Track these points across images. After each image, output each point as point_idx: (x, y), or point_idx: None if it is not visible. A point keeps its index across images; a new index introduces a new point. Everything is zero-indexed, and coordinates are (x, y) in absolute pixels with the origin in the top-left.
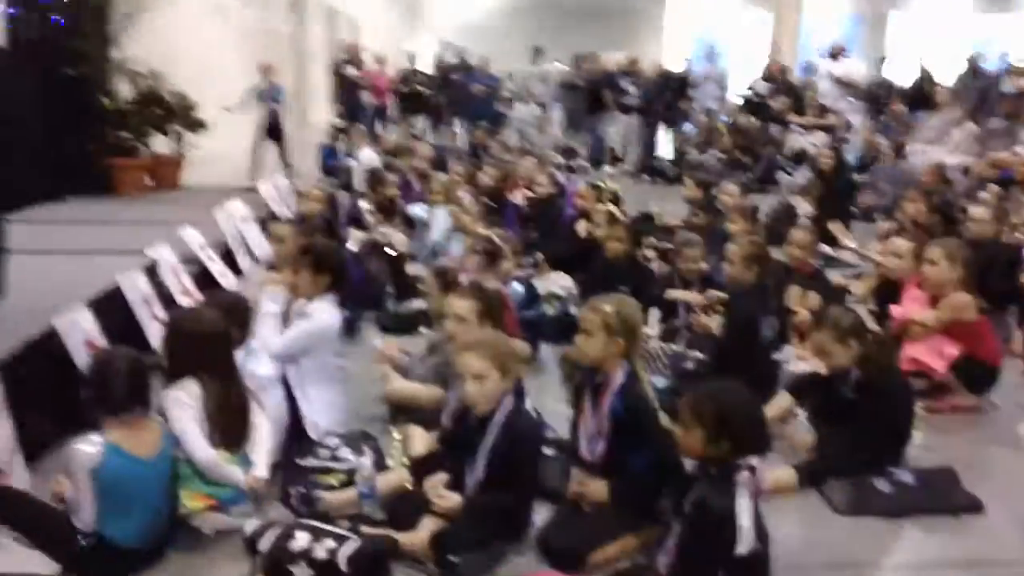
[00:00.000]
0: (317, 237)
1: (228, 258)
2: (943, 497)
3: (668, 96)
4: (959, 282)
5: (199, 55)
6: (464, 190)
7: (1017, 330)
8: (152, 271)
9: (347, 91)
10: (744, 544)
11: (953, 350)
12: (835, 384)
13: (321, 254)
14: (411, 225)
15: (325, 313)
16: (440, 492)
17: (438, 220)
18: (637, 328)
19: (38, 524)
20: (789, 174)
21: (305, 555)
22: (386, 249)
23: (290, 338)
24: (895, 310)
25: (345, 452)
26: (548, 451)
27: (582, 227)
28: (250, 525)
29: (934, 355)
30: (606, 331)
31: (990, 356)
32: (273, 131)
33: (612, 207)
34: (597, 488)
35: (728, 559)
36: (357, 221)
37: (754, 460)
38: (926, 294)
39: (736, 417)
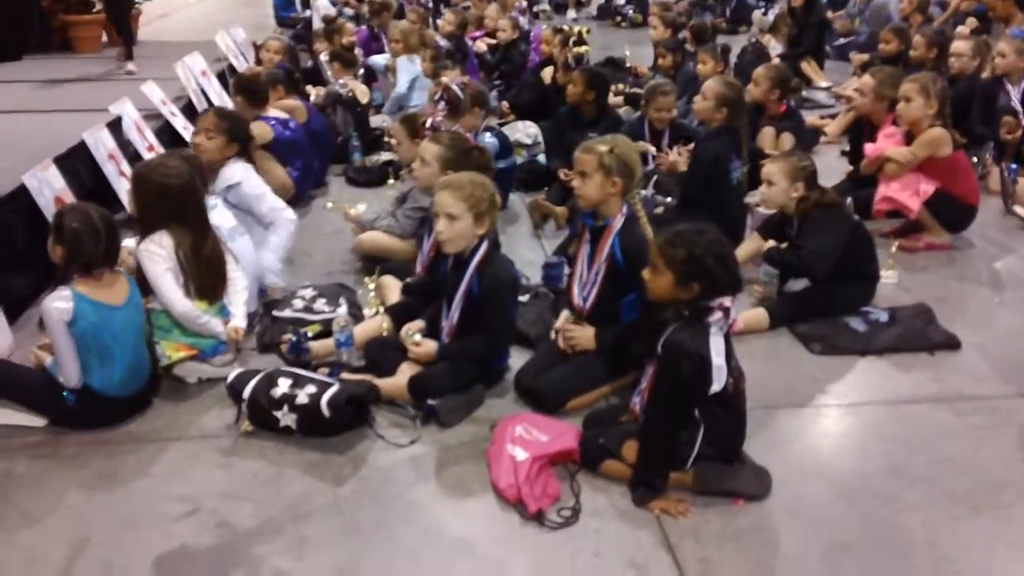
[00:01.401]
0: (228, 109)
1: (190, 112)
2: (918, 335)
3: None
4: (934, 117)
5: None
6: (425, 36)
7: (994, 166)
8: (116, 127)
9: None
10: (717, 382)
11: (929, 187)
12: (786, 226)
13: (236, 122)
14: (373, 77)
15: (250, 173)
16: (416, 338)
17: (401, 70)
18: (634, 165)
19: (19, 388)
20: (763, 12)
21: (288, 400)
22: (350, 99)
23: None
24: (869, 147)
25: (320, 303)
26: (522, 298)
27: (547, 73)
28: (232, 373)
29: (909, 193)
30: (603, 171)
31: (966, 193)
32: None
33: (575, 51)
34: (585, 335)
35: (702, 397)
36: (316, 74)
37: (726, 300)
38: (901, 130)
39: (706, 258)
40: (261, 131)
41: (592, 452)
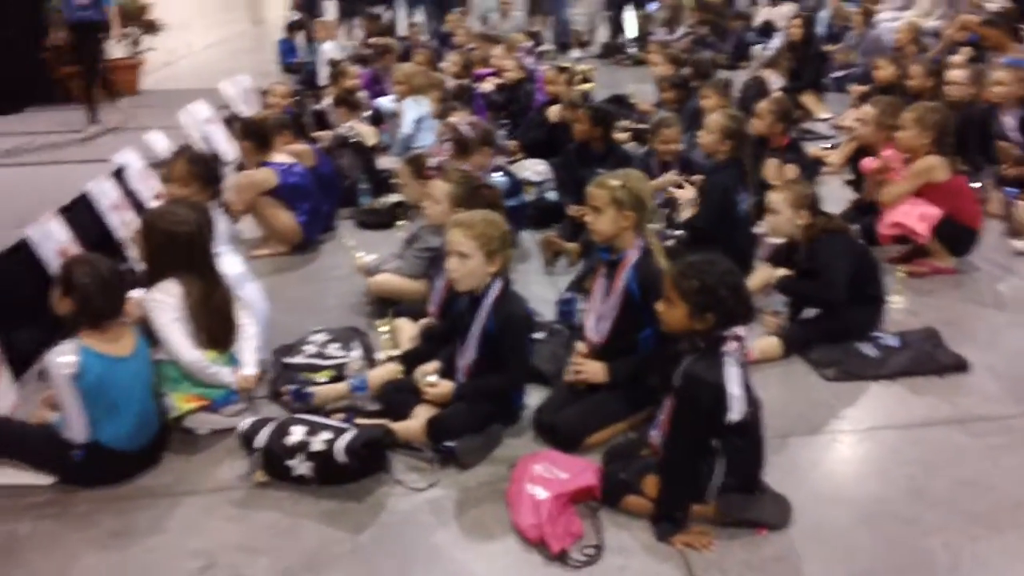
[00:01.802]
0: (198, 150)
1: None
2: (928, 358)
3: None
4: (930, 145)
5: None
6: (432, 77)
7: (994, 191)
8: (120, 177)
9: None
10: (736, 411)
11: (935, 211)
12: (793, 254)
13: (208, 167)
14: (380, 119)
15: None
16: (432, 379)
17: (407, 112)
18: (646, 199)
19: (24, 446)
20: (763, 47)
21: (302, 448)
22: (357, 142)
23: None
24: (865, 162)
25: (333, 348)
26: (537, 335)
27: (553, 112)
28: (244, 423)
29: (915, 218)
30: (615, 206)
31: (969, 217)
32: None
33: (579, 89)
34: (595, 369)
35: (721, 427)
36: (322, 119)
37: (740, 330)
38: (899, 157)
39: (719, 288)
40: (265, 177)
41: (613, 488)
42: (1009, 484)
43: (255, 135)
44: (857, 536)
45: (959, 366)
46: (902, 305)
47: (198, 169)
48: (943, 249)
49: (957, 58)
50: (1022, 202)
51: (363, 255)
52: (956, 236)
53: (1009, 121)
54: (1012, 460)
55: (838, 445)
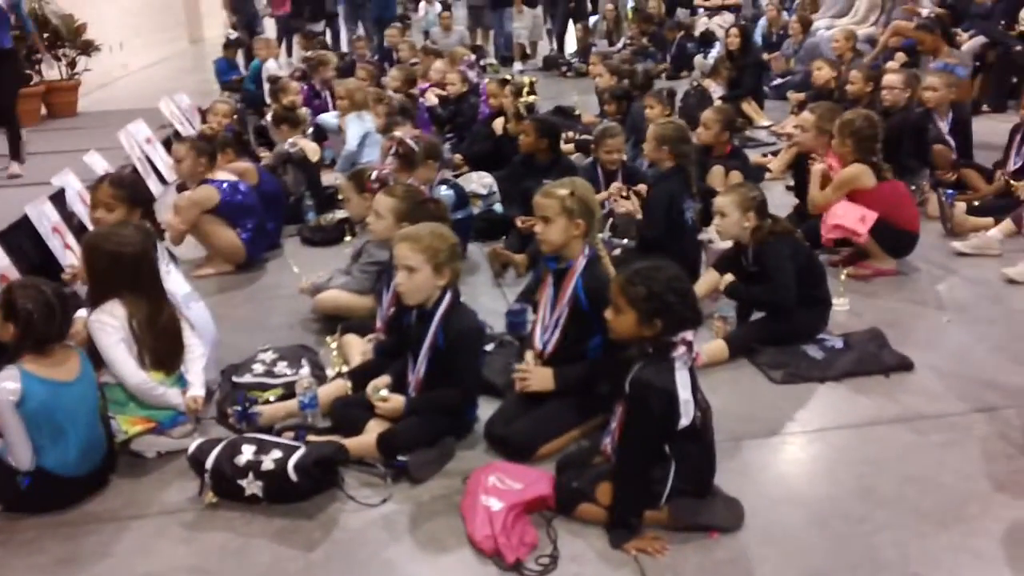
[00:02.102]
0: (126, 172)
1: None
2: (873, 359)
3: None
4: (853, 151)
5: None
6: (377, 92)
7: (932, 193)
8: (60, 199)
9: (238, 2)
10: (686, 416)
11: (872, 214)
12: (741, 258)
13: (132, 189)
14: (322, 135)
15: None
16: (383, 394)
17: (350, 128)
18: (594, 206)
19: None
20: (703, 56)
21: (253, 467)
22: (301, 158)
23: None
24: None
25: (282, 366)
26: (488, 347)
27: (498, 124)
28: (193, 444)
29: (855, 220)
30: (566, 214)
31: (905, 220)
32: None
33: (521, 101)
34: (541, 375)
35: (672, 432)
36: (264, 136)
37: (688, 335)
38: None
39: (666, 294)
40: (208, 195)
41: (566, 497)
42: (955, 480)
43: (207, 152)
44: (809, 536)
45: (904, 366)
46: (846, 307)
47: (122, 192)
48: (882, 251)
49: (892, 63)
50: (960, 204)
51: (305, 280)
52: (894, 239)
53: (942, 125)
54: (957, 457)
55: (788, 447)
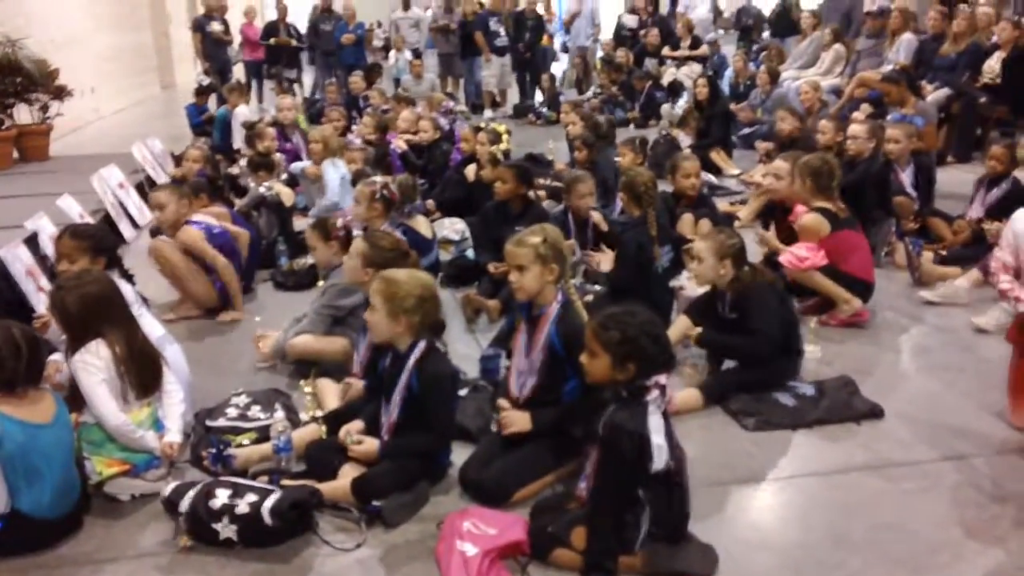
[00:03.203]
0: (88, 223)
1: (109, 226)
2: (844, 406)
3: (528, 37)
4: (810, 192)
5: (57, 19)
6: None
7: (899, 243)
8: (33, 243)
9: (212, 48)
10: (659, 460)
11: (822, 258)
12: (716, 305)
13: (94, 238)
14: (294, 181)
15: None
16: (357, 437)
17: (328, 174)
18: (566, 252)
19: None
20: (671, 105)
21: (228, 511)
22: (276, 202)
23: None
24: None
25: (255, 410)
26: (461, 392)
27: (470, 171)
28: (168, 487)
29: (803, 256)
30: (540, 261)
31: (857, 269)
32: None
33: (495, 148)
34: (519, 417)
35: (645, 476)
36: (235, 182)
37: (661, 378)
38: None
39: (640, 338)
40: (188, 236)
41: (541, 542)
42: (926, 528)
43: (188, 195)
44: None
45: (874, 413)
46: (817, 354)
47: (83, 243)
48: (851, 296)
49: (857, 114)
50: (927, 253)
51: (259, 336)
52: (848, 287)
53: (904, 176)
54: (928, 504)
55: (761, 493)
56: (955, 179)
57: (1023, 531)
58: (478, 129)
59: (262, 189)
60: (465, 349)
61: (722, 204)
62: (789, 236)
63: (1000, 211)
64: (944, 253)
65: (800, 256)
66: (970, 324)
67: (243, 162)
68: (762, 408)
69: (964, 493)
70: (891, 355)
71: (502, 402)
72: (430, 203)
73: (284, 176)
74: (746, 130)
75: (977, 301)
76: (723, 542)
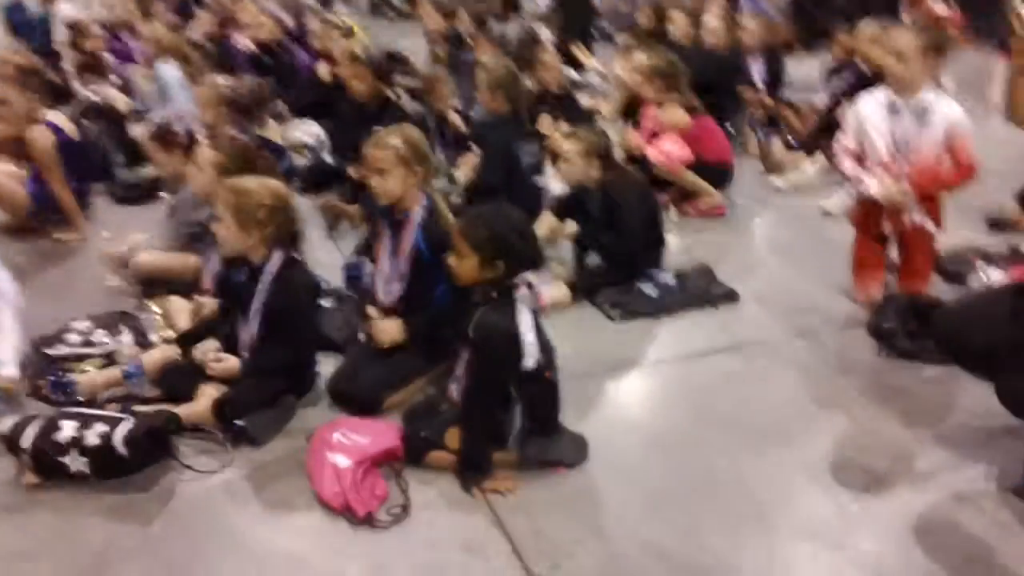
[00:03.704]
0: None
1: None
2: (703, 292)
3: None
4: (662, 91)
5: None
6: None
7: (750, 132)
8: None
9: None
10: (530, 357)
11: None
12: (584, 203)
13: None
14: (128, 86)
15: None
16: (215, 356)
17: (166, 76)
18: (428, 153)
19: None
20: None
21: (75, 444)
22: (109, 109)
23: None
24: (652, 154)
25: (100, 334)
26: (325, 302)
27: (324, 70)
28: (5, 424)
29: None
30: (402, 164)
31: (714, 154)
32: None
33: (353, 45)
34: (391, 327)
35: (516, 375)
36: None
37: (530, 276)
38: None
39: (508, 235)
40: (42, 140)
41: (415, 446)
42: (781, 401)
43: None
44: (651, 463)
45: (731, 297)
46: (676, 244)
47: None
48: (708, 187)
49: (713, 7)
50: (776, 141)
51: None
52: (708, 173)
53: (755, 67)
54: (781, 380)
55: (628, 380)
56: (803, 68)
57: (866, 399)
58: (332, 25)
59: (92, 95)
60: (327, 257)
61: (584, 99)
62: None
63: (846, 98)
64: (793, 141)
65: (667, 152)
66: (818, 208)
67: (65, 64)
68: (627, 299)
69: (814, 367)
70: (745, 241)
71: (371, 310)
72: (283, 105)
73: (115, 78)
74: (605, 23)
75: (824, 186)
76: (593, 429)
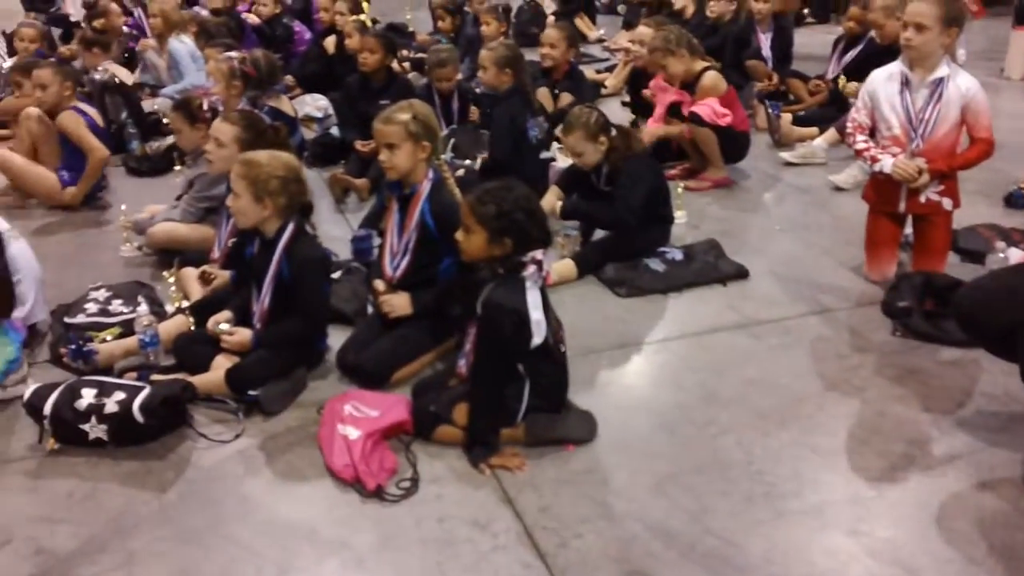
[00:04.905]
0: None
1: None
2: (712, 268)
3: None
4: (689, 59)
5: None
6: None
7: (760, 106)
8: None
9: None
10: (538, 334)
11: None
12: (591, 178)
13: None
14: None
15: None
16: (228, 328)
17: (178, 52)
18: (436, 128)
19: None
20: None
21: (95, 411)
22: (119, 84)
23: None
24: (651, 125)
25: (117, 304)
26: (334, 275)
27: (330, 43)
28: (28, 390)
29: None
30: (411, 139)
31: (740, 122)
32: None
33: (362, 17)
34: (400, 300)
35: (525, 351)
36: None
37: (538, 253)
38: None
39: (516, 212)
40: (70, 120)
41: (424, 420)
42: (791, 380)
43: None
44: (658, 442)
45: (740, 274)
46: (684, 219)
47: None
48: (719, 159)
49: None
50: (786, 115)
51: (124, 218)
52: (733, 142)
53: (763, 38)
54: (792, 358)
55: (634, 358)
56: (814, 40)
57: (880, 379)
58: None
59: (96, 73)
60: (335, 230)
61: (589, 72)
62: (648, 105)
63: (857, 71)
64: (802, 114)
65: (719, 111)
66: (828, 183)
67: (74, 44)
68: (634, 275)
69: (826, 346)
70: (754, 216)
71: (378, 284)
72: (289, 79)
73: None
74: None
75: (834, 160)
76: (601, 407)
